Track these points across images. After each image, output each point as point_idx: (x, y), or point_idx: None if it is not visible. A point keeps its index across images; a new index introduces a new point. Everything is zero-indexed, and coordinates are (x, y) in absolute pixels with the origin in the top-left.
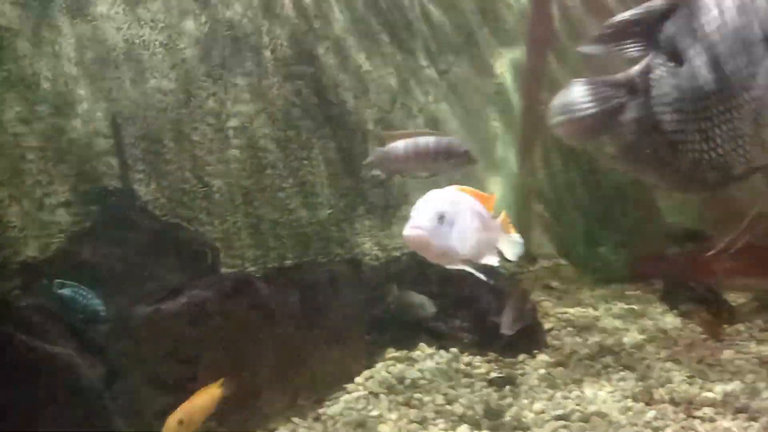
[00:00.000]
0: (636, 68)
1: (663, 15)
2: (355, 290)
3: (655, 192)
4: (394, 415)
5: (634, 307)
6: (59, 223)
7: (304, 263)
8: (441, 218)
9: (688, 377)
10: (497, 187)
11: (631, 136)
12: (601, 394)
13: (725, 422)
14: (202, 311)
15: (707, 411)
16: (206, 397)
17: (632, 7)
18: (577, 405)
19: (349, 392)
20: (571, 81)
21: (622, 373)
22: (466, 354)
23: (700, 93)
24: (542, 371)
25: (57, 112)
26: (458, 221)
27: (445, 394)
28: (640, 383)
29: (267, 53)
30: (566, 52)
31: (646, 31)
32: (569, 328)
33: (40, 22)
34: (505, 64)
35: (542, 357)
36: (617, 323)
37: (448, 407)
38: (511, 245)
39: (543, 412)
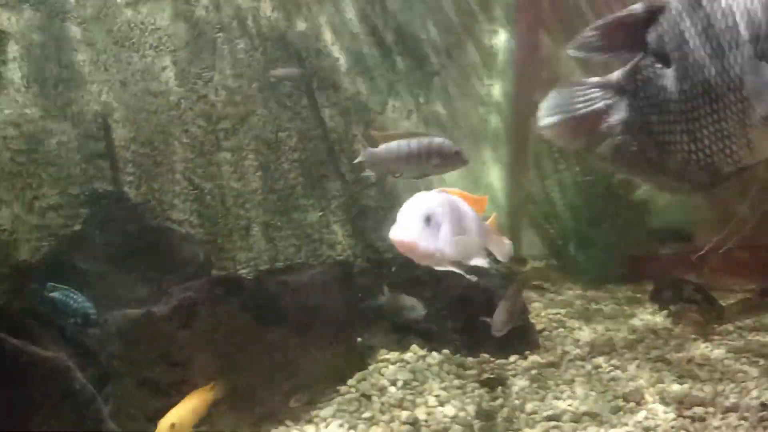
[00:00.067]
0: (624, 69)
1: (651, 16)
2: (347, 292)
3: (653, 192)
4: (386, 417)
5: (624, 307)
6: (49, 226)
7: (296, 265)
8: (427, 220)
9: (678, 377)
10: (489, 189)
11: (620, 138)
12: (593, 395)
13: (715, 421)
14: (194, 314)
15: (697, 410)
16: (198, 400)
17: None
18: (569, 405)
19: (341, 394)
20: (559, 83)
21: (612, 374)
22: (458, 355)
23: (688, 94)
24: (534, 372)
25: (47, 114)
26: (445, 223)
27: (437, 396)
28: (630, 383)
29: (257, 55)
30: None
31: (634, 32)
32: (560, 329)
33: (30, 25)
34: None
35: (534, 358)
36: (608, 323)
37: (441, 409)
38: (500, 247)
39: (535, 412)
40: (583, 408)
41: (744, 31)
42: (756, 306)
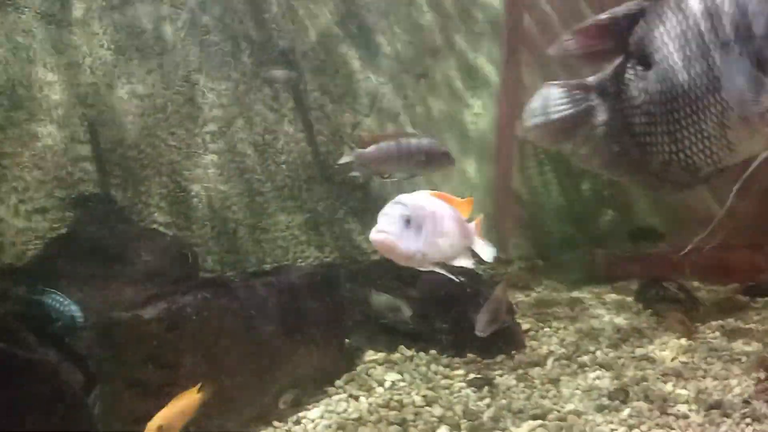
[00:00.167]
0: (606, 71)
1: (632, 18)
2: (334, 293)
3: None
4: (374, 418)
5: (609, 307)
6: (36, 229)
7: (283, 267)
8: (407, 222)
9: (662, 375)
10: (475, 189)
11: (602, 139)
12: (578, 393)
13: (698, 418)
14: (181, 316)
15: (681, 408)
16: (185, 402)
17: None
18: (554, 404)
19: (329, 395)
20: (543, 84)
21: (597, 372)
22: (445, 356)
23: (668, 95)
24: (520, 371)
25: (32, 117)
26: (426, 225)
27: (424, 396)
28: (615, 381)
29: (244, 58)
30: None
31: (616, 34)
32: (546, 329)
33: (14, 27)
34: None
35: (520, 357)
36: (593, 323)
37: (428, 409)
38: (485, 247)
39: (521, 411)
40: (569, 407)
41: (723, 34)
42: (738, 305)
